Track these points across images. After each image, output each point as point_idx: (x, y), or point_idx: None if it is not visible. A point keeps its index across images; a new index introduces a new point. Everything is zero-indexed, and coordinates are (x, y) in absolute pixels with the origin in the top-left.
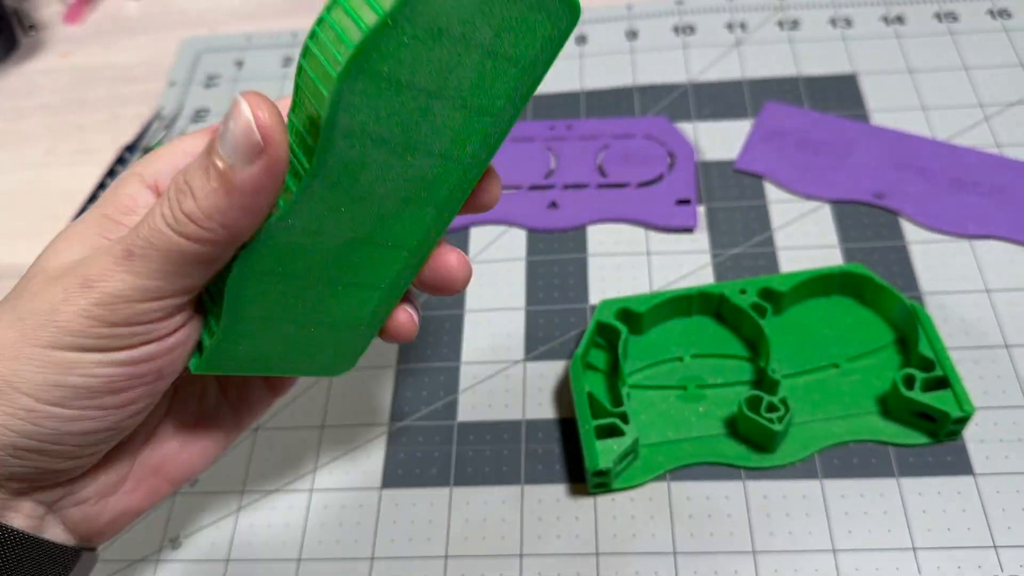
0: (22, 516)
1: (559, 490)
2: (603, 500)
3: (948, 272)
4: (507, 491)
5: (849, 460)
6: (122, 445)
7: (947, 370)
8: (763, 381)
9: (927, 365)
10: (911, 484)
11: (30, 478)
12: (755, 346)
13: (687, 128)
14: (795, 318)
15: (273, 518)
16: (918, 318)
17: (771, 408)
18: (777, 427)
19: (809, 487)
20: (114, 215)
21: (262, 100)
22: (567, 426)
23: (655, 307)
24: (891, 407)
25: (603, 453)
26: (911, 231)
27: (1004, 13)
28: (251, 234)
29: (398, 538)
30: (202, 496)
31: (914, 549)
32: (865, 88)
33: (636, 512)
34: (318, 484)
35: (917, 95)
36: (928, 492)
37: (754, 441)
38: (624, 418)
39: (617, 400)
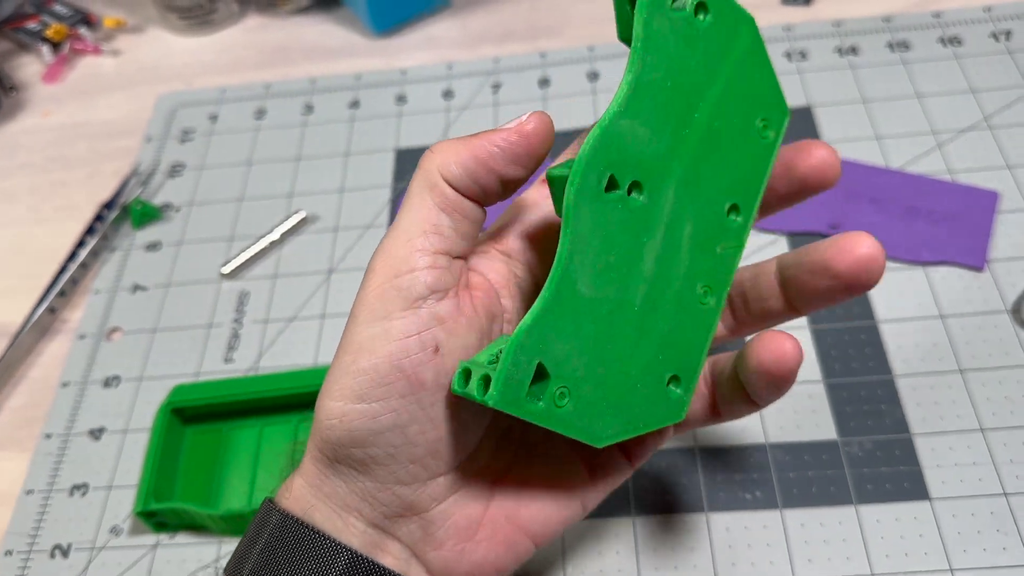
0: (390, 557)
1: None
2: (571, 533)
3: (903, 299)
4: None
5: (808, 489)
6: (469, 485)
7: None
8: None
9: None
10: (869, 511)
11: (381, 500)
12: None
13: None
14: None
15: None
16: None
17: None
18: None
19: (769, 517)
20: None
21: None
22: None
23: None
24: None
25: None
26: None
27: (955, 41)
28: (460, 168)
29: None
30: (182, 547)
31: (873, 575)
32: (820, 120)
33: (603, 548)
34: None
35: (871, 125)
36: (885, 518)
37: None
38: None
39: None
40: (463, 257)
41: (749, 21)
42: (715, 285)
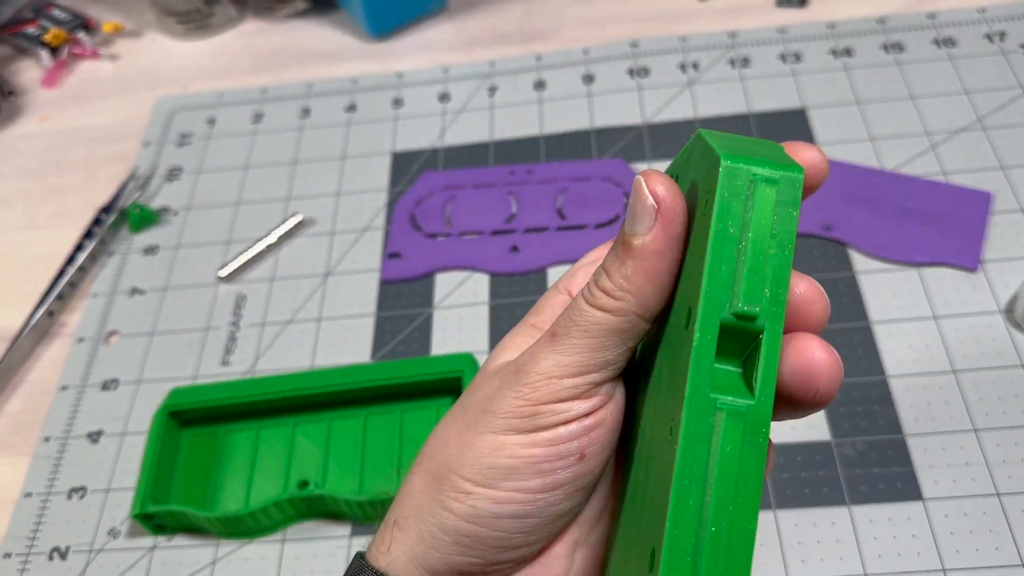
0: None
1: None
2: None
3: (896, 300)
4: None
5: (801, 490)
6: (554, 546)
7: None
8: None
9: None
10: (862, 511)
11: (472, 573)
12: None
13: (642, 169)
14: None
15: (248, 569)
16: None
17: None
18: None
19: (763, 518)
20: (540, 324)
21: (656, 174)
22: None
23: None
24: None
25: None
26: (860, 261)
27: (949, 42)
28: (657, 302)
29: None
30: (179, 549)
31: (866, 575)
32: (814, 121)
33: None
34: (290, 535)
35: (865, 126)
36: (879, 519)
37: None
38: None
39: None
40: None
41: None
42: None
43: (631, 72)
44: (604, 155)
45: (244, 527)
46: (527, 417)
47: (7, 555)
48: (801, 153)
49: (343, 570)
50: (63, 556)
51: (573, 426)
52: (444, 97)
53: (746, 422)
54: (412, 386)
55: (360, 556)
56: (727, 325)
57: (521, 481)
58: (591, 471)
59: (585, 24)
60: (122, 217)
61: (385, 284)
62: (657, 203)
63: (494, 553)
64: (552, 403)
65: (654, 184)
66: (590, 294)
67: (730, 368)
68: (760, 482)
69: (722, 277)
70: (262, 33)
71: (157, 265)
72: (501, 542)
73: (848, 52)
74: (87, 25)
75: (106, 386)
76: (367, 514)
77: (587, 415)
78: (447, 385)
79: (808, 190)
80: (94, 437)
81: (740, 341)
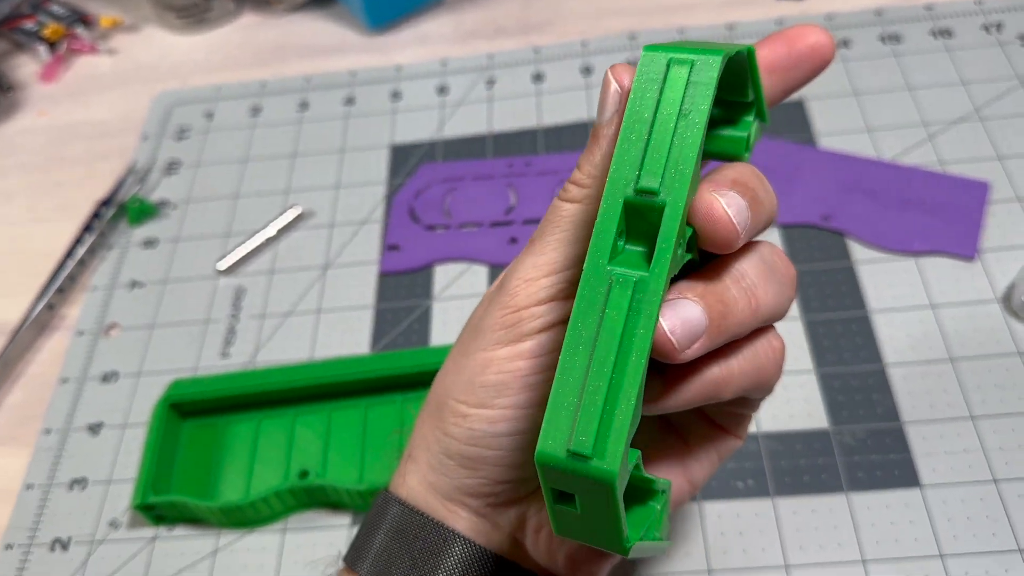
0: (494, 545)
1: None
2: None
3: (894, 289)
4: None
5: (800, 478)
6: None
7: None
8: None
9: None
10: (860, 499)
11: (483, 493)
12: None
13: None
14: None
15: (249, 558)
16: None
17: None
18: None
19: (761, 505)
20: None
21: (621, 65)
22: None
23: None
24: None
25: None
26: (858, 251)
27: (946, 33)
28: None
29: None
30: (180, 539)
31: (863, 561)
32: (812, 113)
33: None
34: (290, 525)
35: (863, 117)
36: (876, 506)
37: None
38: None
39: None
40: None
41: None
42: None
43: (630, 64)
44: None
45: (245, 517)
46: (511, 327)
47: (9, 546)
48: (809, 37)
49: None
50: (64, 547)
51: (555, 332)
52: (442, 90)
53: (635, 291)
54: (412, 377)
55: (385, 491)
56: (632, 203)
57: (510, 397)
58: None
59: (583, 17)
60: (121, 211)
61: (384, 276)
62: (622, 88)
63: (499, 472)
64: (532, 306)
65: (619, 74)
66: (563, 190)
67: (637, 248)
68: (645, 350)
69: (630, 156)
70: (260, 27)
71: (156, 258)
72: (503, 460)
73: (846, 43)
74: (85, 20)
75: (106, 378)
76: (367, 503)
77: (568, 319)
78: None
79: (813, 70)
80: (95, 429)
81: (649, 223)
